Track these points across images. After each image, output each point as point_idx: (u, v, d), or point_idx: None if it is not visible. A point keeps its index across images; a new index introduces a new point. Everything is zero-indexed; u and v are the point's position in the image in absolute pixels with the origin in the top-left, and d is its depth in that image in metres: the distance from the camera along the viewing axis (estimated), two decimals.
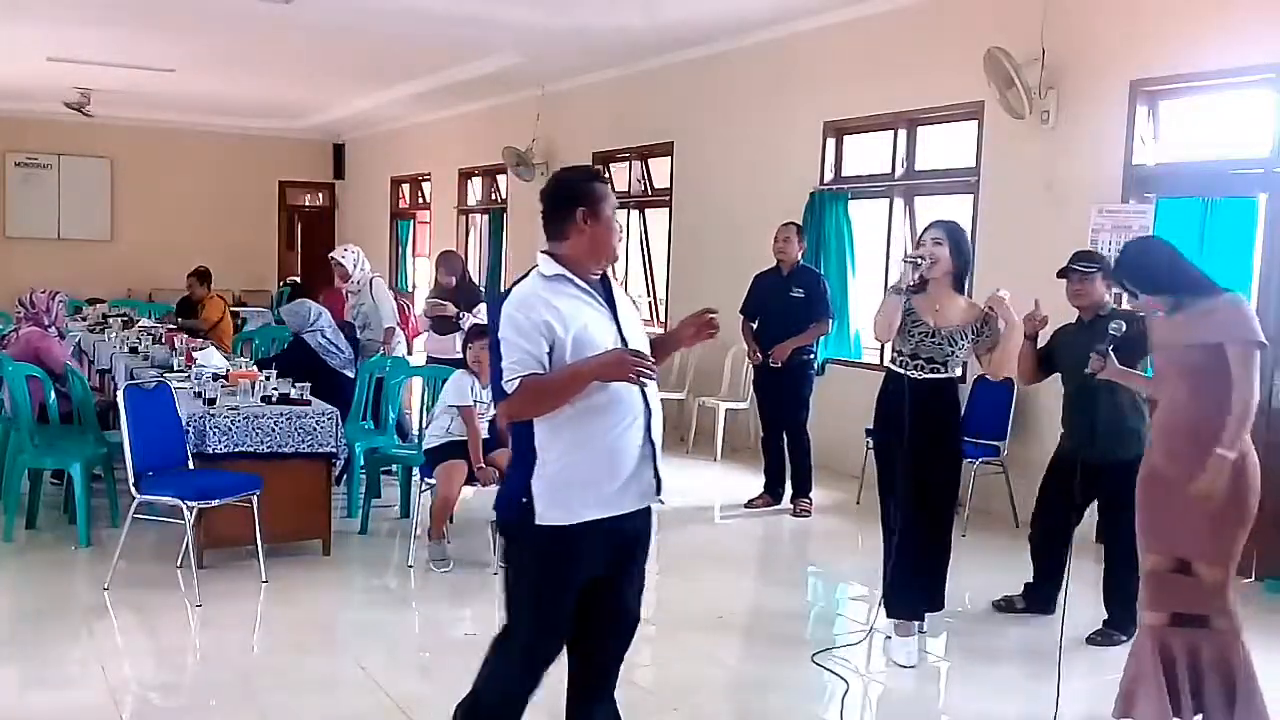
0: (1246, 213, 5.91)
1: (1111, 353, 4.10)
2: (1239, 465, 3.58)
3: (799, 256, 7.06)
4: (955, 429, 4.66)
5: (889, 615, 4.64)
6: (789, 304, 6.95)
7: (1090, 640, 4.81)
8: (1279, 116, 5.79)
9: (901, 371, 4.53)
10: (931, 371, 4.49)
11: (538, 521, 2.95)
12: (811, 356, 7.16)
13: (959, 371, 4.62)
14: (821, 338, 7.31)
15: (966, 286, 4.77)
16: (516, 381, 2.87)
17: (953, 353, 4.48)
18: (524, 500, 2.95)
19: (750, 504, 7.25)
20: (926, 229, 4.63)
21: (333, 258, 7.97)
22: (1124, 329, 4.15)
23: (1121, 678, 3.80)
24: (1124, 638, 4.59)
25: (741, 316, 7.23)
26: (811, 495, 7.15)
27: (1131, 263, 3.85)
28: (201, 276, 10.31)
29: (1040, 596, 5.09)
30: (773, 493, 7.26)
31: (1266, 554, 5.78)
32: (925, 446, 4.45)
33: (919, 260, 4.46)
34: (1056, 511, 4.90)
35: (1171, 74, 6.18)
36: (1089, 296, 4.77)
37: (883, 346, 8.35)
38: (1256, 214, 5.86)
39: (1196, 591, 3.68)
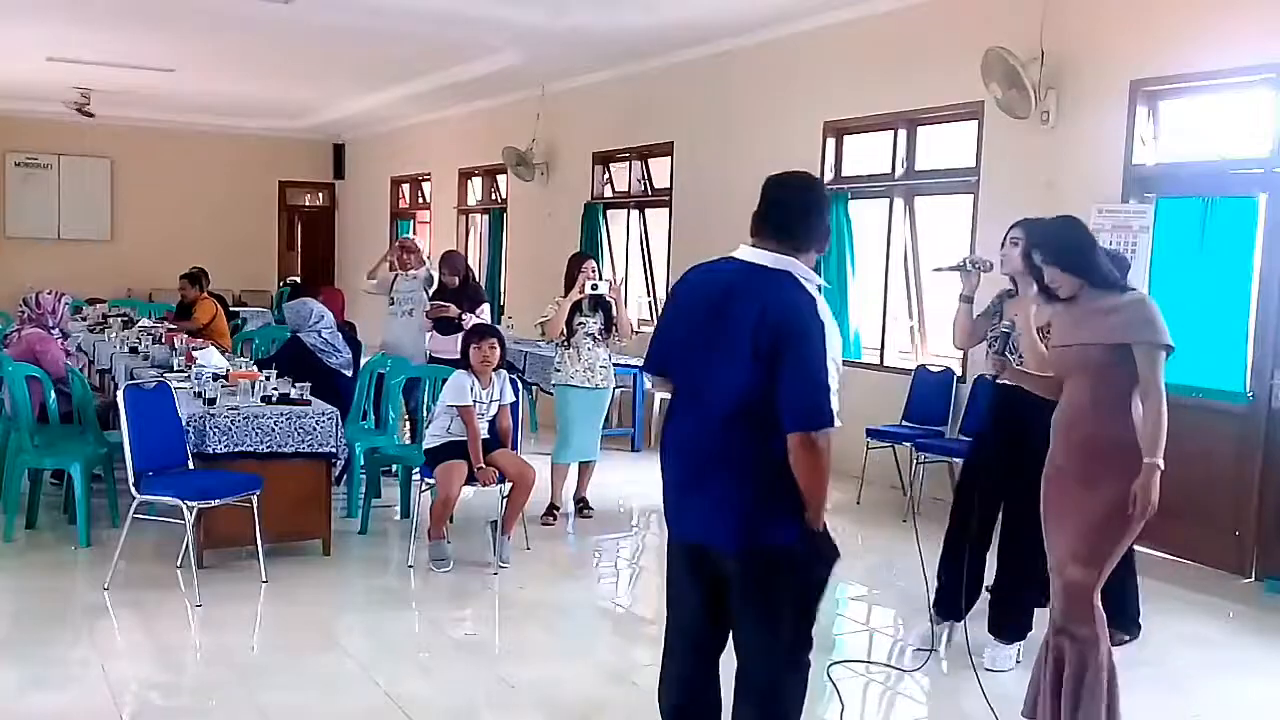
0: (1246, 213, 5.91)
1: (1009, 354, 4.03)
2: (1120, 468, 3.42)
3: None
4: (1031, 437, 4.21)
5: (996, 633, 4.53)
6: None
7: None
8: (1279, 116, 5.78)
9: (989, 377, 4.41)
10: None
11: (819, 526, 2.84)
12: None
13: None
14: None
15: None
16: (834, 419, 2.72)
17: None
18: (803, 521, 2.81)
19: None
20: (1011, 227, 4.54)
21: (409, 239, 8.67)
22: (1015, 328, 4.10)
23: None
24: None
25: None
26: None
27: (1056, 233, 3.74)
28: (193, 279, 10.16)
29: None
30: None
31: (1266, 554, 5.79)
32: (1011, 451, 4.28)
33: (967, 266, 4.41)
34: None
35: (1171, 74, 6.18)
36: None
37: (882, 347, 8.44)
38: (1256, 214, 5.86)
39: (1063, 597, 3.58)
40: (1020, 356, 4.04)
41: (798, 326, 2.75)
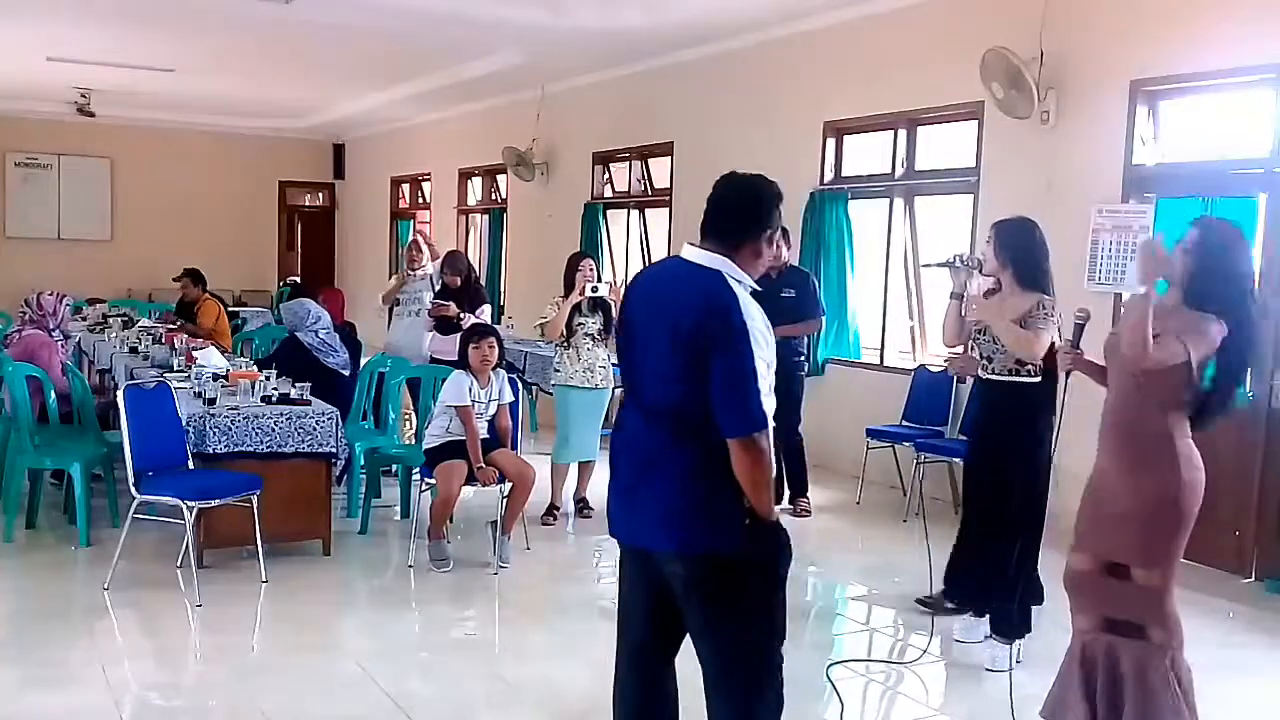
0: (1246, 213, 5.91)
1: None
2: (1180, 471, 3.44)
3: (788, 259, 7.03)
4: (1027, 432, 4.39)
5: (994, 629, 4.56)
6: (780, 305, 6.89)
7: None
8: (1278, 116, 5.78)
9: (980, 374, 4.57)
10: (993, 372, 4.48)
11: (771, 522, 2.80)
12: (802, 357, 7.10)
13: (1031, 375, 4.43)
14: (814, 334, 7.27)
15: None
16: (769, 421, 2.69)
17: (1000, 349, 4.44)
18: (747, 522, 2.76)
19: None
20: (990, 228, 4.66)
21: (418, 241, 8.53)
22: (1088, 316, 4.11)
23: (1055, 679, 3.73)
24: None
25: None
26: (809, 495, 7.13)
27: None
28: (194, 277, 10.12)
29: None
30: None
31: (1266, 554, 5.79)
32: (992, 447, 4.39)
33: (956, 263, 4.50)
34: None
35: (1171, 74, 6.18)
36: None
37: (882, 347, 8.44)
38: (1256, 214, 5.86)
39: (1130, 597, 3.54)
40: (1073, 347, 3.88)
41: (721, 329, 2.71)
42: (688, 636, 2.96)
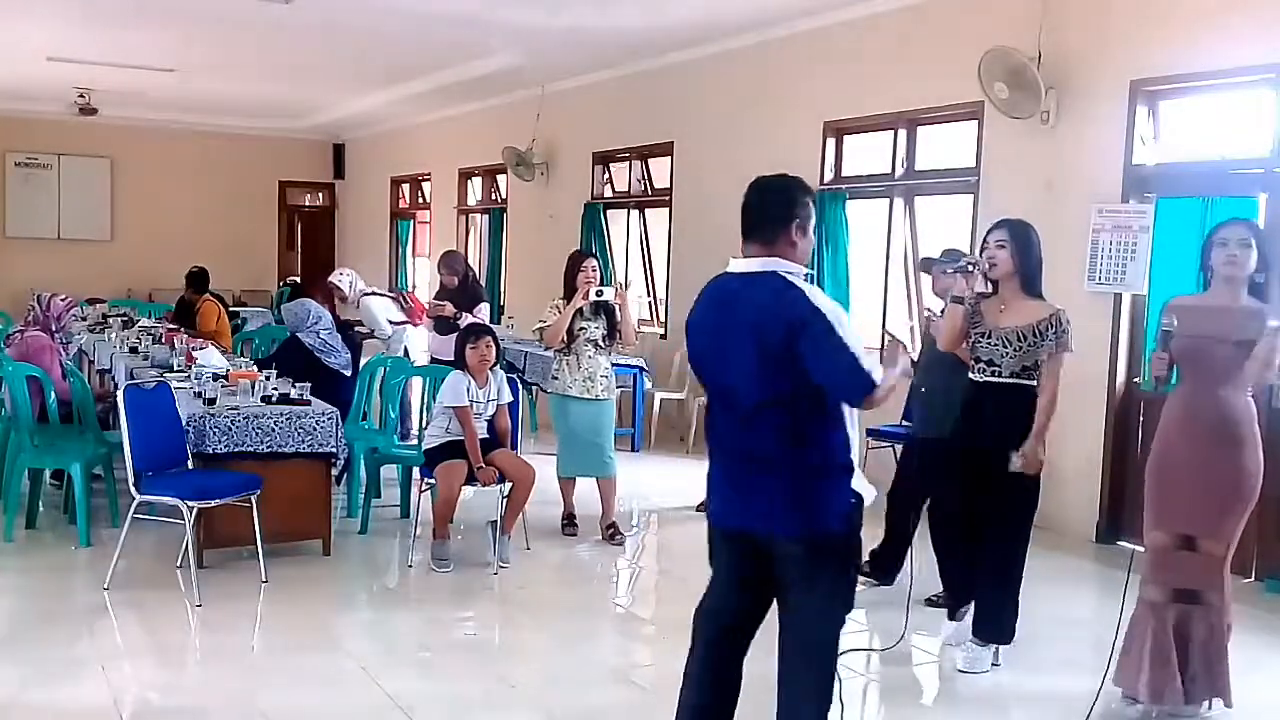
0: (1246, 212, 5.90)
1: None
2: (1251, 449, 3.91)
3: None
4: (1020, 436, 4.29)
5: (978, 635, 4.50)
6: None
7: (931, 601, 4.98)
8: (1278, 116, 5.78)
9: (971, 375, 4.45)
10: (993, 375, 4.35)
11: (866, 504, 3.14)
12: None
13: (1031, 378, 4.33)
14: None
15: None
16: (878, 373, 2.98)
17: (1009, 354, 4.30)
18: (853, 500, 3.09)
19: (701, 507, 6.98)
20: (991, 230, 4.47)
21: (330, 282, 8.58)
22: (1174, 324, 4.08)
23: (1122, 648, 4.03)
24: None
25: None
26: None
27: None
28: (195, 279, 10.10)
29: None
30: None
31: (1266, 554, 5.79)
32: (983, 451, 4.30)
33: (969, 267, 4.35)
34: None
35: (1171, 74, 6.18)
36: (952, 291, 4.53)
37: (881, 347, 8.41)
38: (1257, 214, 5.86)
39: (1196, 567, 3.93)
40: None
41: (799, 318, 2.94)
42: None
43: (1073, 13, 6.59)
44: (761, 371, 3.01)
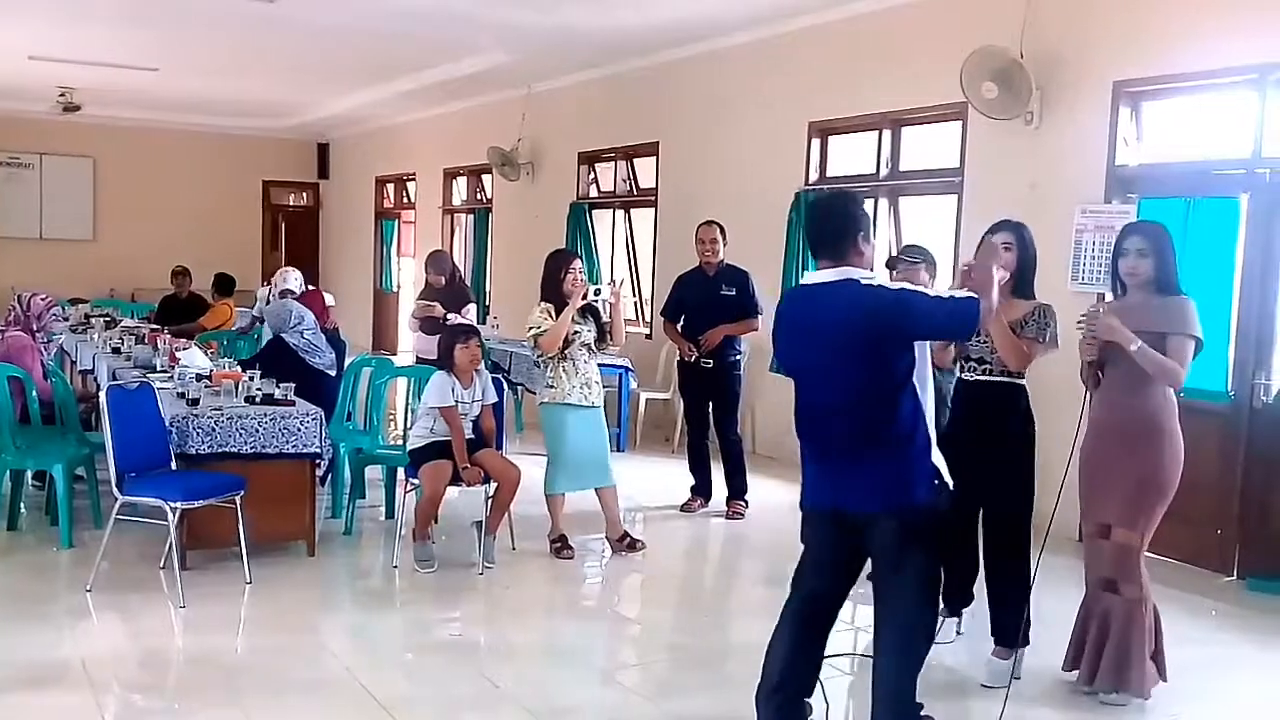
0: (1228, 213, 5.95)
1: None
2: (1169, 442, 4.04)
3: (723, 258, 6.96)
4: (1013, 436, 4.30)
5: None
6: (720, 303, 6.87)
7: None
8: (1260, 117, 5.82)
9: (962, 375, 4.40)
10: (984, 373, 4.31)
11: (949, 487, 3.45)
12: (740, 356, 7.07)
13: (1022, 377, 4.28)
14: (750, 333, 7.06)
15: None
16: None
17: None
18: (936, 481, 3.43)
19: (685, 507, 7.06)
20: (995, 231, 4.37)
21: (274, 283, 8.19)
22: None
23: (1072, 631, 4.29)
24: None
25: (664, 319, 7.21)
26: (746, 497, 7.01)
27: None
28: (222, 283, 10.64)
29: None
30: (704, 493, 7.11)
31: (1247, 552, 5.83)
32: (974, 451, 4.21)
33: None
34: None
35: (1154, 75, 6.21)
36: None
37: None
38: (1238, 214, 5.90)
39: (1112, 557, 4.12)
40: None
41: (884, 305, 3.32)
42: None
43: (1056, 14, 6.62)
44: (851, 362, 3.37)
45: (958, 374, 4.48)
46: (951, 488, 3.45)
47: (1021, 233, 4.37)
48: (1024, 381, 4.33)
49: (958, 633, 4.75)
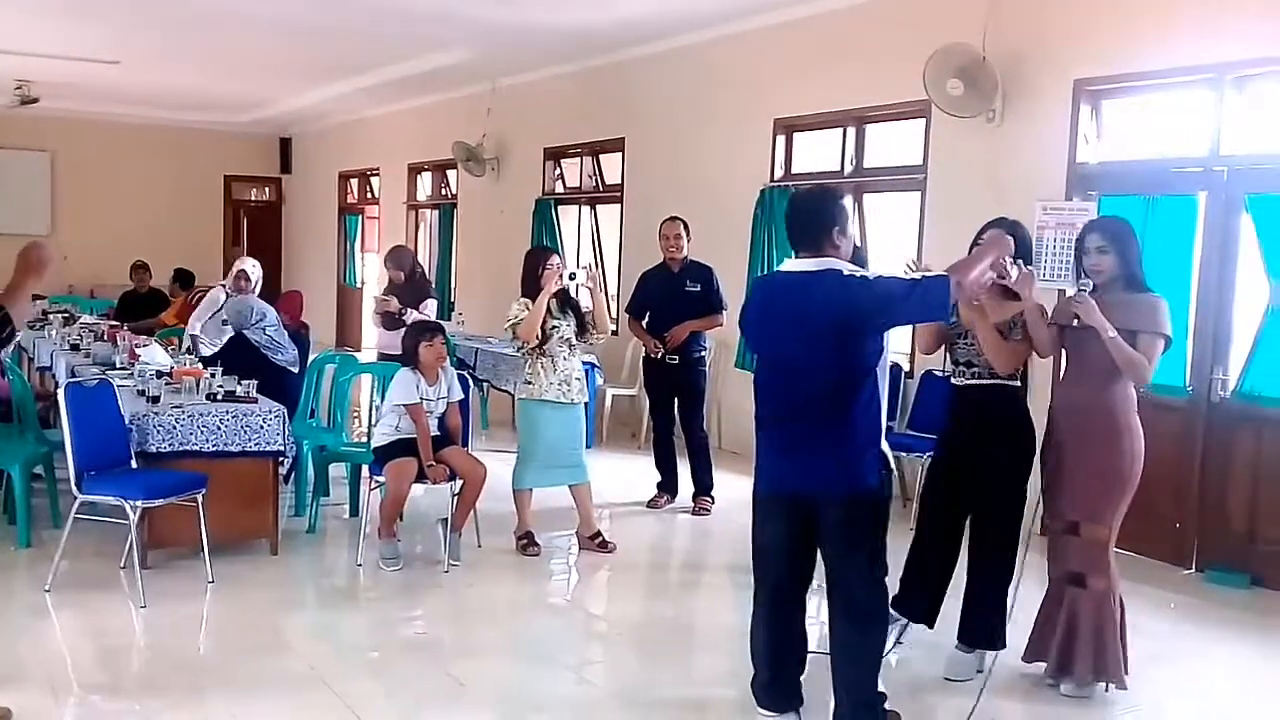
0: (1186, 211, 6.02)
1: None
2: (1130, 436, 4.08)
3: (688, 254, 6.97)
4: (1010, 439, 4.23)
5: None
6: (685, 299, 6.87)
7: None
8: (1218, 116, 5.89)
9: (953, 381, 4.33)
10: (973, 377, 4.24)
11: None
12: (705, 352, 7.09)
13: (1013, 379, 4.21)
14: (715, 329, 7.08)
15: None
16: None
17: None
18: (883, 471, 3.59)
19: (652, 504, 7.06)
20: (991, 228, 4.31)
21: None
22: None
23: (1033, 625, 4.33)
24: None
25: (629, 315, 7.20)
26: (713, 493, 7.02)
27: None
28: (183, 276, 10.31)
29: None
30: (670, 489, 7.11)
31: (1206, 544, 5.91)
32: (971, 456, 4.21)
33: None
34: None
35: (1114, 74, 6.28)
36: None
37: None
38: (1196, 212, 5.97)
39: (1079, 551, 4.16)
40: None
41: (865, 293, 3.42)
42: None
43: (1017, 12, 6.67)
44: (827, 348, 3.45)
45: (950, 380, 4.37)
46: (896, 476, 3.59)
47: (1016, 231, 4.29)
48: (1017, 384, 4.22)
49: (898, 641, 4.45)
